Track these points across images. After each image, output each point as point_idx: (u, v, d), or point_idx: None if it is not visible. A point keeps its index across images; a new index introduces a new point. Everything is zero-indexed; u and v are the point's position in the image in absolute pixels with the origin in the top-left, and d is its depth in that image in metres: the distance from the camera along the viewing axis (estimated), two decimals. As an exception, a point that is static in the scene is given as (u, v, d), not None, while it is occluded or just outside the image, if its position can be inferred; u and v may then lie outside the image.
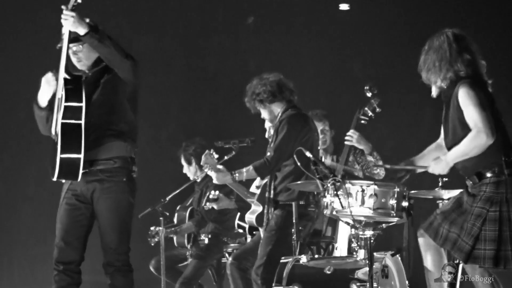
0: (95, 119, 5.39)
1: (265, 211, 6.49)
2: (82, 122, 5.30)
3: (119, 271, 5.44)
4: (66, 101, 5.32)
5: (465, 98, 4.87)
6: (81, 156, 5.28)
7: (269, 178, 6.51)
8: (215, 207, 8.01)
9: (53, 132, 5.38)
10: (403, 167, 5.33)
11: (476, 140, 4.81)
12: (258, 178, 7.17)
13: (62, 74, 5.36)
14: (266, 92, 6.46)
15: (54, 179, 5.36)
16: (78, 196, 5.46)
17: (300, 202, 6.25)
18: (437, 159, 5.05)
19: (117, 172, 5.42)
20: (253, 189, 7.36)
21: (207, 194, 8.09)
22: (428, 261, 5.15)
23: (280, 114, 6.48)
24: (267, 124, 6.75)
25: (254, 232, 7.14)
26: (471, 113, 4.85)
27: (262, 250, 6.26)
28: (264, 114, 6.60)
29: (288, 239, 6.22)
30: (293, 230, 6.15)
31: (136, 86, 5.46)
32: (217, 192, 7.91)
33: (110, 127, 5.43)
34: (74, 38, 5.38)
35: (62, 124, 5.29)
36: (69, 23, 5.25)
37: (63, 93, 5.32)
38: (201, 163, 6.67)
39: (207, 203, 8.04)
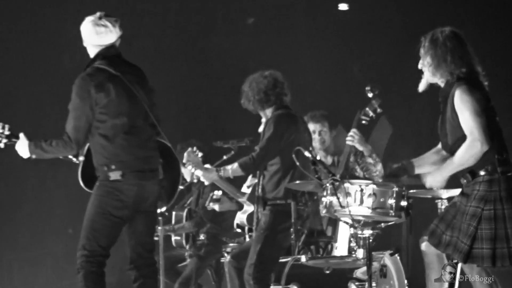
0: None
1: (255, 210, 6.53)
2: None
3: None
4: None
5: (460, 104, 4.86)
6: None
7: (258, 177, 6.54)
8: (217, 208, 8.02)
9: None
10: (401, 177, 5.34)
11: (471, 150, 4.80)
12: (249, 178, 7.20)
13: None
14: (255, 102, 6.51)
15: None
16: None
17: (287, 201, 6.27)
18: (433, 172, 5.04)
19: None
20: (244, 189, 7.38)
21: (211, 194, 8.09)
22: (431, 269, 5.15)
23: (270, 115, 6.53)
24: (262, 128, 6.78)
25: (250, 234, 7.15)
26: (467, 120, 4.83)
27: (252, 249, 6.28)
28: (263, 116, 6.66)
29: (278, 237, 6.24)
30: (291, 230, 6.16)
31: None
32: (220, 192, 7.91)
33: None
34: None
35: None
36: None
37: None
38: (183, 161, 6.65)
39: (210, 203, 8.04)
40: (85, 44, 5.65)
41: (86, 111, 5.44)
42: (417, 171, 5.25)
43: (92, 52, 5.63)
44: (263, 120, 6.71)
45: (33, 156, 5.62)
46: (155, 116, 5.67)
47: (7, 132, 5.70)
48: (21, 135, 5.63)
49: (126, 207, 5.50)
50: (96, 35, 5.54)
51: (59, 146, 5.51)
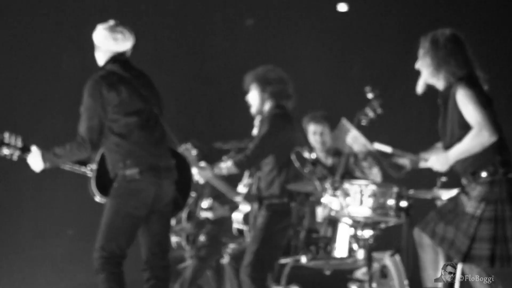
0: None
1: (251, 209, 6.54)
2: None
3: None
4: None
5: (464, 98, 4.88)
6: None
7: (252, 178, 6.56)
8: (211, 217, 8.04)
9: None
10: (405, 155, 5.34)
11: (478, 138, 4.81)
12: (245, 178, 7.21)
13: None
14: (271, 87, 6.52)
15: None
16: None
17: (284, 200, 6.28)
18: (439, 155, 5.04)
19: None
20: (240, 188, 7.38)
21: (200, 204, 8.11)
22: (424, 260, 5.16)
23: (265, 111, 6.54)
24: (257, 122, 6.80)
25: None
26: (472, 112, 4.85)
27: (249, 249, 6.30)
28: (253, 98, 6.61)
29: (274, 238, 6.25)
30: (291, 230, 6.17)
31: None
32: (210, 201, 7.94)
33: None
34: None
35: None
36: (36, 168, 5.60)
37: None
38: None
39: (201, 213, 8.06)
40: (98, 50, 5.66)
41: (98, 111, 5.45)
42: (421, 163, 5.25)
43: (102, 58, 5.65)
44: (256, 122, 6.74)
45: (47, 165, 5.56)
46: (165, 122, 5.68)
47: (20, 145, 5.61)
48: (34, 147, 5.57)
49: (145, 207, 5.50)
50: (114, 40, 5.59)
51: (73, 149, 5.48)
